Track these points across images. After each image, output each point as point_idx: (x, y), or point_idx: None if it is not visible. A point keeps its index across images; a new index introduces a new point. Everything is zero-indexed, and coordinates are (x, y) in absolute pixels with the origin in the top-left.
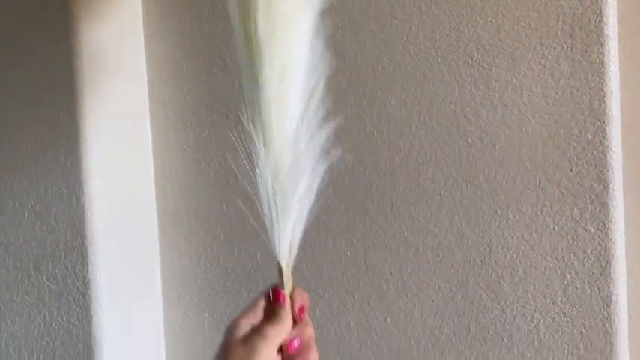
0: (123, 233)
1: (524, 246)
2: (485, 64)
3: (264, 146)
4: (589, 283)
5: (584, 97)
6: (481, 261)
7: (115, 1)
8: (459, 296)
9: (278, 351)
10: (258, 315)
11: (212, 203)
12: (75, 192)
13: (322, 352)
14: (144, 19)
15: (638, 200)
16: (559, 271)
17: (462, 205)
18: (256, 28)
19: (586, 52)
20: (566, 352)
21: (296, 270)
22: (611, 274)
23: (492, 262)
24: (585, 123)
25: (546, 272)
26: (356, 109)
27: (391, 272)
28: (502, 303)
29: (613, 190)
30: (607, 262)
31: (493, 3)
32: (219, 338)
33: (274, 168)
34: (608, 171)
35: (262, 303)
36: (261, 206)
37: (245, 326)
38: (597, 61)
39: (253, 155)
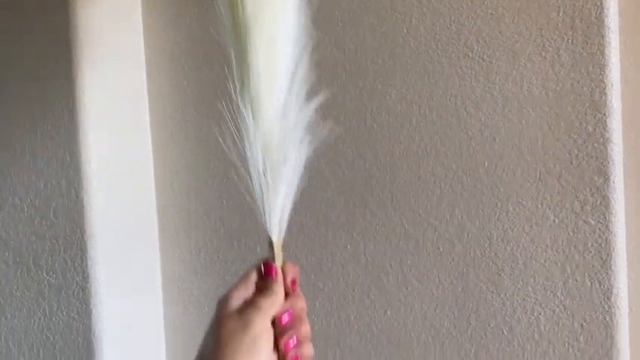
0: (122, 227)
1: (525, 239)
2: (485, 57)
3: (253, 120)
4: (589, 275)
5: (584, 89)
6: (481, 254)
7: None
8: (459, 289)
9: (271, 324)
10: (250, 289)
11: (212, 197)
12: (74, 186)
13: (322, 345)
14: (142, 7)
15: (639, 193)
16: (559, 264)
17: (462, 197)
18: (243, 3)
19: (587, 43)
20: (566, 345)
21: (296, 263)
22: (612, 267)
23: (492, 254)
24: (586, 115)
25: (547, 265)
26: (356, 102)
27: (391, 265)
28: (502, 296)
29: (614, 182)
30: (608, 254)
31: None
32: None
33: (264, 141)
34: (608, 163)
35: (254, 277)
36: (251, 180)
37: (238, 299)
38: (598, 52)
39: (243, 129)
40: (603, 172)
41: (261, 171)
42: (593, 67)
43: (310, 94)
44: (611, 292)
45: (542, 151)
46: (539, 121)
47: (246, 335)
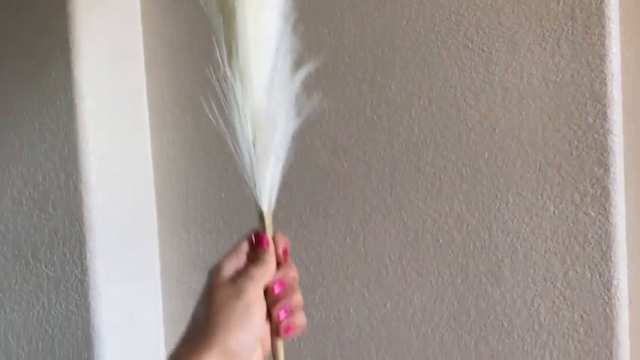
0: (121, 220)
1: (525, 230)
2: (485, 48)
3: (242, 91)
4: (589, 267)
5: (584, 79)
6: (481, 245)
7: None
8: (459, 281)
9: (263, 294)
10: (241, 259)
11: (211, 190)
12: (73, 179)
13: (321, 338)
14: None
15: (639, 184)
16: (559, 256)
17: (461, 189)
18: None
19: (587, 34)
20: (566, 336)
21: (295, 257)
22: (612, 259)
23: (492, 246)
24: (586, 106)
25: (547, 256)
26: (355, 94)
27: (390, 258)
28: (502, 288)
29: (614, 173)
30: (608, 246)
31: None
32: None
33: (252, 112)
34: (609, 154)
35: (245, 247)
36: (240, 152)
37: (229, 269)
38: (598, 43)
39: (232, 100)
40: (603, 163)
41: (250, 142)
42: (593, 58)
43: (298, 66)
44: (611, 284)
45: (542, 143)
46: (539, 112)
47: (240, 302)
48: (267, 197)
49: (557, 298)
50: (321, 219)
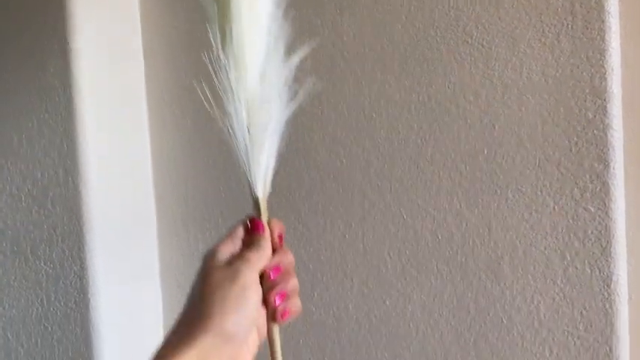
0: (120, 217)
1: (524, 226)
2: (484, 43)
3: (236, 76)
4: (589, 263)
5: (584, 74)
6: (480, 242)
7: None
8: (458, 278)
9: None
10: (237, 244)
11: (210, 188)
12: (71, 175)
13: (320, 334)
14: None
15: (639, 179)
16: (559, 252)
17: (461, 186)
18: None
19: (587, 28)
20: (566, 333)
21: (294, 254)
22: (612, 254)
23: (492, 243)
24: (586, 101)
25: (546, 253)
26: (354, 91)
27: (390, 255)
28: (502, 284)
29: (614, 169)
30: (607, 242)
31: None
32: None
33: (247, 97)
34: (608, 150)
35: (241, 233)
36: (235, 138)
37: (225, 253)
38: (598, 37)
39: (226, 85)
40: (603, 158)
41: (245, 127)
42: (593, 53)
43: (292, 51)
44: (611, 280)
45: (541, 138)
46: (538, 108)
47: (235, 284)
48: (262, 183)
49: (557, 294)
50: (320, 216)
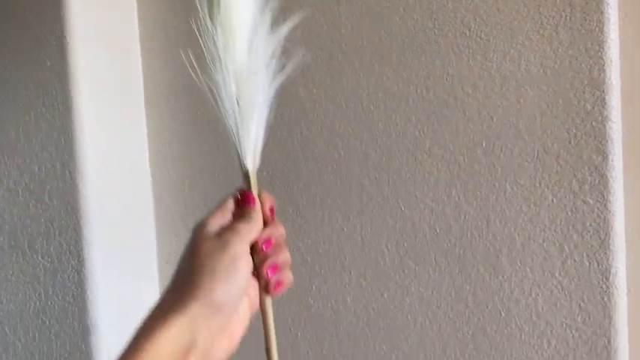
0: (118, 210)
1: (523, 219)
2: (482, 35)
3: (224, 46)
4: (588, 256)
5: (583, 66)
6: (479, 235)
7: None
8: (456, 270)
9: (250, 252)
10: (227, 217)
11: (208, 182)
12: (69, 169)
13: (319, 327)
14: None
15: (637, 172)
16: (557, 244)
17: (459, 178)
18: None
19: (585, 20)
20: (564, 325)
21: (292, 247)
22: (610, 247)
23: (490, 235)
24: (584, 93)
25: (545, 245)
26: (352, 83)
27: (388, 247)
28: (500, 277)
29: (612, 161)
30: (606, 234)
31: None
32: None
33: (235, 68)
34: (607, 142)
35: (231, 205)
36: (224, 109)
37: (214, 225)
38: (597, 29)
39: (215, 57)
40: (602, 150)
41: (234, 98)
42: (591, 44)
43: (281, 21)
44: (610, 272)
45: (540, 130)
46: (537, 100)
47: (225, 254)
48: (251, 156)
49: (555, 287)
50: (318, 208)
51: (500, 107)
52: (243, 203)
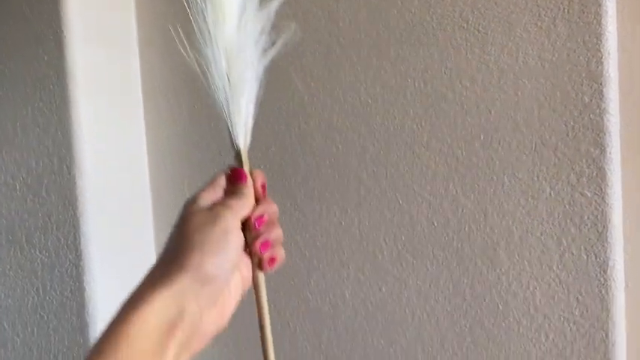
0: (115, 205)
1: (520, 212)
2: (480, 28)
3: (214, 23)
4: (585, 249)
5: (581, 58)
6: (476, 228)
7: None
8: (454, 264)
9: (242, 229)
10: (219, 193)
11: (207, 177)
12: (66, 163)
13: (317, 321)
14: None
15: (635, 164)
16: (555, 237)
17: (457, 171)
18: None
19: (583, 12)
20: (562, 318)
21: (290, 241)
22: (608, 240)
23: (488, 229)
24: (582, 85)
25: (542, 238)
26: (350, 77)
27: (385, 241)
28: (497, 270)
29: (610, 154)
30: (604, 227)
31: None
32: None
33: (225, 45)
34: (605, 134)
35: (223, 182)
36: (215, 87)
37: (206, 200)
38: (595, 21)
39: (205, 33)
40: (599, 143)
41: (225, 75)
42: (589, 37)
43: None
44: (607, 265)
45: (538, 123)
46: (534, 93)
47: (217, 227)
48: (242, 133)
49: (553, 280)
50: (316, 202)
51: (498, 100)
52: (234, 180)
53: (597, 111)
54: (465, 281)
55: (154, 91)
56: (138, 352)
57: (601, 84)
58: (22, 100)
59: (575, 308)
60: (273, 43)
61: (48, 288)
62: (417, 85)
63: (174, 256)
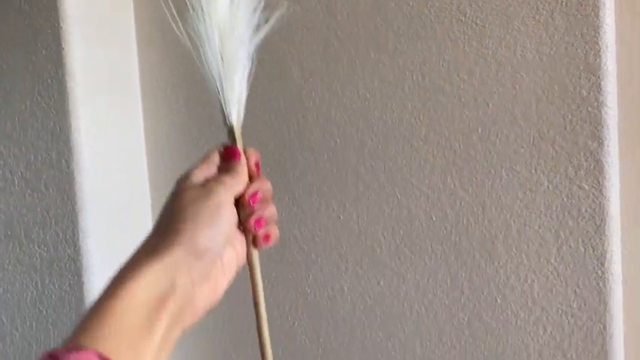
0: (114, 199)
1: (518, 205)
2: (478, 21)
3: (207, 0)
4: (583, 241)
5: (579, 51)
6: (474, 221)
7: None
8: (452, 258)
9: (235, 207)
10: (212, 170)
11: None
12: (64, 158)
13: (315, 316)
14: None
15: (633, 157)
16: (553, 230)
17: (455, 165)
18: None
19: (581, 5)
20: (559, 311)
21: (289, 236)
22: (606, 233)
23: (486, 222)
24: (580, 78)
25: (540, 231)
26: (348, 70)
27: (384, 235)
28: (496, 264)
29: (608, 146)
30: (602, 220)
31: None
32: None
33: (219, 22)
34: (603, 127)
35: (216, 159)
36: (208, 65)
37: (199, 176)
38: (592, 14)
39: (198, 10)
40: (597, 136)
41: (218, 52)
42: (587, 29)
43: None
44: (605, 258)
45: (535, 116)
46: (532, 86)
47: (210, 201)
48: (235, 110)
49: (551, 273)
50: (314, 196)
51: (496, 93)
52: (228, 158)
53: (595, 104)
54: (463, 275)
55: (151, 84)
56: (126, 326)
57: (599, 77)
58: (20, 94)
59: (573, 301)
60: (266, 21)
61: (47, 282)
62: (415, 78)
63: (167, 229)
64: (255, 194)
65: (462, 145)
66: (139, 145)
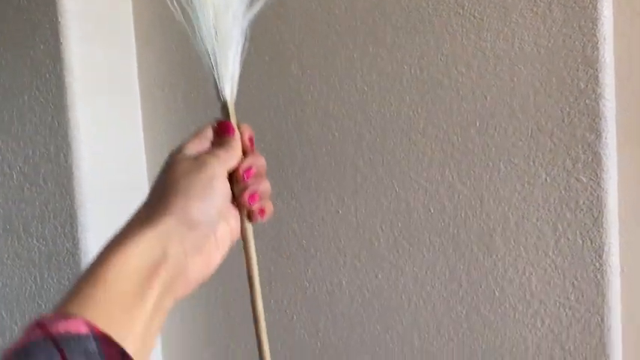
0: (112, 193)
1: (516, 198)
2: (476, 14)
3: None
4: (581, 234)
5: (576, 43)
6: (472, 214)
7: None
8: (450, 250)
9: (229, 182)
10: (205, 145)
11: None
12: (63, 152)
13: (314, 309)
14: None
15: (631, 150)
16: (551, 223)
17: (453, 158)
18: None
19: None
20: (557, 304)
21: (287, 229)
22: (603, 225)
23: (484, 215)
24: (578, 71)
25: (538, 224)
26: (346, 64)
27: (382, 228)
28: (493, 256)
29: (606, 139)
30: (599, 212)
31: None
32: (214, 304)
33: (213, 2)
34: (600, 120)
35: (210, 134)
36: (202, 40)
37: (192, 150)
38: (590, 6)
39: None
40: (595, 128)
41: (212, 27)
42: (585, 22)
43: None
44: (603, 250)
45: (533, 109)
46: (530, 79)
47: (203, 173)
48: (229, 86)
49: (549, 265)
50: (313, 190)
51: (494, 86)
52: (222, 133)
53: (593, 96)
54: (461, 267)
55: (149, 77)
56: (117, 294)
57: (597, 69)
58: (18, 88)
59: (571, 293)
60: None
61: (45, 276)
62: (413, 71)
63: (159, 200)
64: (249, 169)
65: (460, 138)
66: (138, 137)
